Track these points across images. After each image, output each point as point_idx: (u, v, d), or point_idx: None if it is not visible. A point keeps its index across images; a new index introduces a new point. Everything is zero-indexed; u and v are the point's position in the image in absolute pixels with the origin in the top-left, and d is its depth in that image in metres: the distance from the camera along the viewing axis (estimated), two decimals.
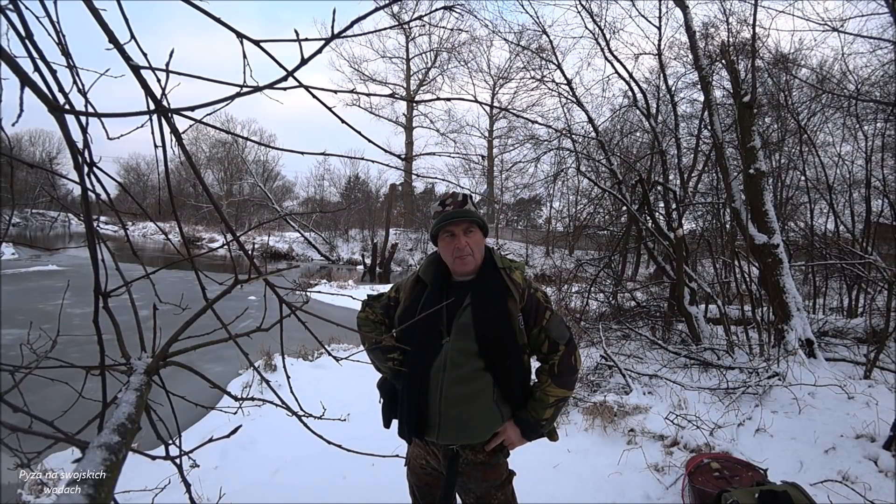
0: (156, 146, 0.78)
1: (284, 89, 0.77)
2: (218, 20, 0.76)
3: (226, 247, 0.99)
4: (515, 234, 27.64)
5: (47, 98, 0.70)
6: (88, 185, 0.78)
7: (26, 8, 0.74)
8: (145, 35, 0.78)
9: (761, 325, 5.35)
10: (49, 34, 0.80)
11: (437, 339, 1.56)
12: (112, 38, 0.72)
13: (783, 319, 5.11)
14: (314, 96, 0.82)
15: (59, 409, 0.83)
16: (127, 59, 0.72)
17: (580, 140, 8.68)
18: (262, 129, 39.33)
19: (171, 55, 0.76)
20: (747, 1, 6.51)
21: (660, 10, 7.75)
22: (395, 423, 1.68)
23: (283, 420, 2.01)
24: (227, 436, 0.96)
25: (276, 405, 0.92)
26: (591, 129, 7.94)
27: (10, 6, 0.71)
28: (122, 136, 0.86)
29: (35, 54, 0.76)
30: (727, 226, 7.34)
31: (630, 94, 8.00)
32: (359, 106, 26.43)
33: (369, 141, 1.05)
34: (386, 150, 1.73)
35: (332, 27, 0.71)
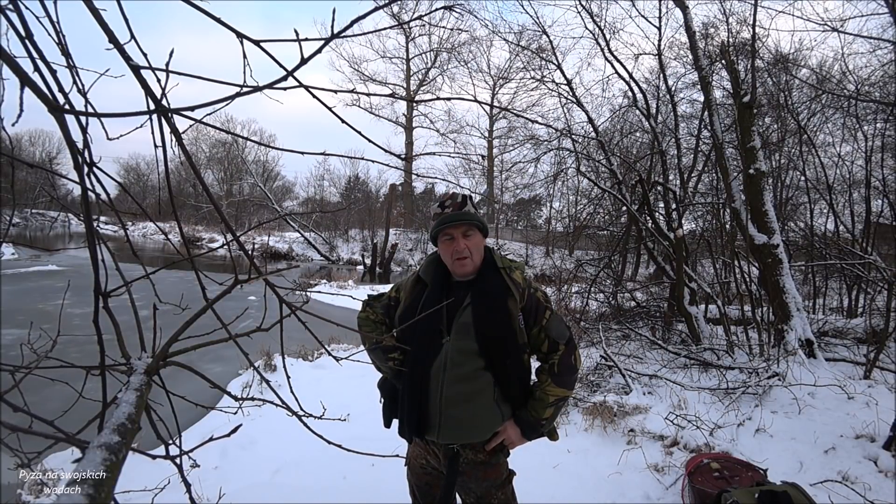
0: (156, 146, 0.78)
1: (284, 89, 0.77)
2: (218, 20, 0.76)
3: (226, 247, 0.99)
4: (515, 235, 27.64)
5: (47, 98, 0.70)
6: (88, 185, 0.78)
7: (26, 8, 0.74)
8: (145, 35, 0.78)
9: (761, 325, 5.35)
10: (49, 34, 0.80)
11: (438, 339, 1.56)
12: (112, 38, 0.72)
13: (783, 319, 5.11)
14: (314, 96, 0.82)
15: (59, 409, 0.83)
16: (127, 59, 0.72)
17: (580, 140, 8.69)
18: (262, 129, 39.39)
19: (170, 55, 0.76)
20: (747, 1, 6.52)
21: (660, 10, 7.75)
22: (395, 422, 1.68)
23: (283, 420, 2.01)
24: (227, 435, 0.96)
25: (276, 405, 0.92)
26: (591, 129, 7.94)
27: (10, 6, 0.71)
28: (122, 136, 0.86)
29: (35, 54, 0.76)
30: (727, 226, 7.34)
31: (630, 94, 8.00)
32: (359, 106, 26.45)
33: (369, 141, 1.05)
34: (386, 150, 1.73)
35: (332, 27, 0.71)
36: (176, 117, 0.75)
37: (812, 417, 3.62)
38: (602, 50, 7.79)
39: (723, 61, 6.32)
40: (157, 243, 25.19)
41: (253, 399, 0.85)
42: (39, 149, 40.46)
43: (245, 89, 0.75)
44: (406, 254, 23.94)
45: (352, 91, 0.84)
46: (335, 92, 0.84)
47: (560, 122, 9.03)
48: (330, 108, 0.89)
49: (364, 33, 0.81)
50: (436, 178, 20.97)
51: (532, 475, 2.76)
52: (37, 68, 0.75)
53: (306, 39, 0.75)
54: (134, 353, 0.80)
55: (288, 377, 1.04)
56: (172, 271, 11.39)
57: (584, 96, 8.77)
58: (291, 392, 0.99)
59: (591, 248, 13.20)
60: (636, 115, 9.10)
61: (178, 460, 0.85)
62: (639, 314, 7.32)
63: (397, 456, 1.39)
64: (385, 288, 2.03)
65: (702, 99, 7.20)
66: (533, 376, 1.67)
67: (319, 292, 0.98)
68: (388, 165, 1.20)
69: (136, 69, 0.73)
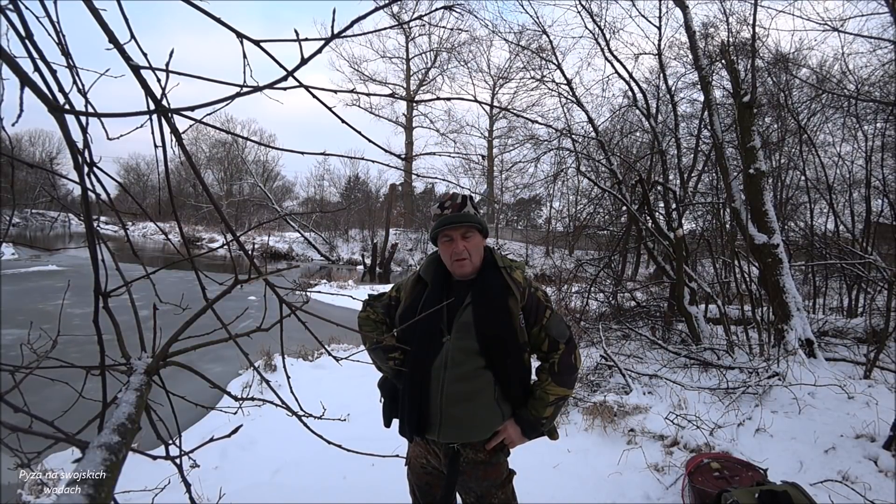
0: (156, 146, 0.78)
1: (284, 89, 0.77)
2: (218, 20, 0.76)
3: (226, 247, 0.99)
4: (515, 234, 27.64)
5: (47, 98, 0.70)
6: (88, 185, 0.78)
7: (26, 8, 0.74)
8: (145, 35, 0.78)
9: (761, 325, 5.35)
10: (49, 34, 0.80)
11: (438, 338, 1.56)
12: (112, 38, 0.72)
13: (783, 319, 5.11)
14: (314, 96, 0.82)
15: (59, 409, 0.83)
16: (127, 59, 0.72)
17: (580, 140, 8.69)
18: (262, 129, 39.40)
19: (171, 55, 0.76)
20: (747, 1, 6.52)
21: (660, 10, 7.75)
22: (395, 422, 1.68)
23: (283, 420, 2.01)
24: (228, 436, 0.96)
25: (276, 405, 0.92)
26: (591, 129, 7.94)
27: (10, 6, 0.71)
28: (122, 136, 0.86)
29: (35, 54, 0.76)
30: (727, 226, 7.34)
31: (630, 94, 8.00)
32: (359, 106, 26.45)
33: (369, 141, 1.05)
34: (386, 150, 1.73)
35: (332, 27, 0.71)
36: (176, 117, 0.75)
37: (812, 417, 3.62)
38: (602, 50, 7.79)
39: (723, 61, 6.32)
40: (157, 243, 25.19)
41: (253, 399, 0.85)
42: (39, 149, 40.49)
43: (245, 89, 0.75)
44: (406, 254, 23.94)
45: (352, 91, 0.84)
46: (335, 92, 0.84)
47: (560, 122, 9.04)
48: (330, 108, 0.89)
49: (364, 33, 0.81)
50: (436, 178, 21.00)
51: (532, 475, 2.76)
52: (37, 68, 0.75)
53: (306, 39, 0.75)
54: (134, 353, 0.80)
55: (288, 377, 1.04)
56: (172, 271, 11.40)
57: (584, 96, 8.77)
58: (291, 392, 0.99)
59: (591, 248, 13.20)
60: (636, 115, 9.11)
61: (178, 460, 0.85)
62: (639, 314, 7.32)
63: (397, 456, 1.39)
64: (385, 288, 2.03)
65: (702, 99, 7.20)
66: (533, 376, 1.67)
67: (319, 292, 0.98)
68: (388, 165, 1.20)
69: (136, 69, 0.73)
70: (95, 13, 0.73)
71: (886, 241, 8.59)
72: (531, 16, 12.74)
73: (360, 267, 21.89)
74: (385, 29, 0.91)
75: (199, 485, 2.57)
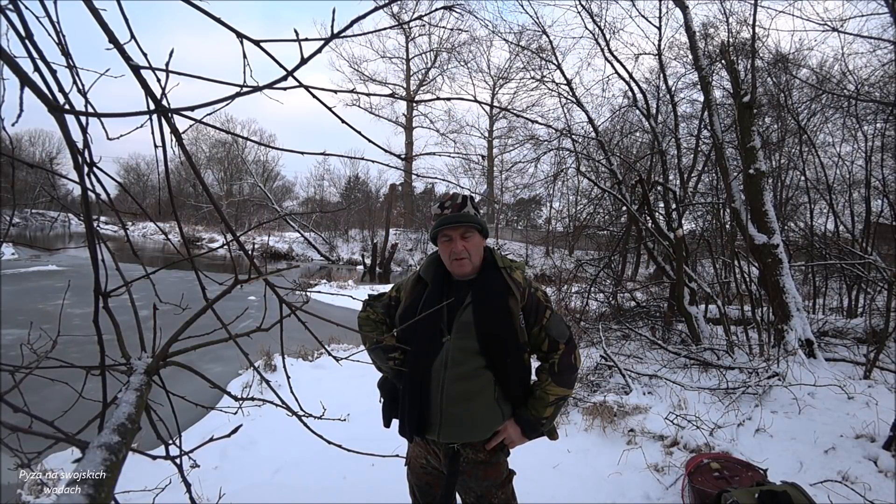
0: (156, 146, 0.78)
1: (284, 89, 0.77)
2: (218, 20, 0.76)
3: (226, 247, 0.99)
4: (515, 235, 27.63)
5: (47, 98, 0.70)
6: (88, 185, 0.78)
7: (26, 8, 0.74)
8: (145, 35, 0.78)
9: (761, 325, 5.35)
10: (49, 34, 0.80)
11: (438, 338, 1.56)
12: (112, 38, 0.72)
13: (783, 319, 5.11)
14: (314, 96, 0.82)
15: (60, 409, 0.83)
16: (127, 59, 0.72)
17: (580, 140, 8.69)
18: (262, 129, 39.39)
19: (170, 55, 0.76)
20: (747, 1, 6.52)
21: (660, 10, 7.75)
22: (395, 422, 1.68)
23: (283, 420, 2.01)
24: (228, 435, 0.96)
25: (276, 405, 0.92)
26: (591, 129, 7.94)
27: (10, 6, 0.71)
28: (122, 136, 0.86)
29: (35, 54, 0.76)
30: (727, 226, 7.34)
31: (630, 94, 8.00)
32: (359, 106, 26.45)
33: (369, 141, 1.05)
34: (386, 150, 1.73)
35: (332, 27, 0.71)
36: (176, 117, 0.75)
37: (812, 417, 3.62)
38: (602, 50, 7.79)
39: (723, 61, 6.32)
40: (157, 243, 25.19)
41: (253, 399, 0.85)
42: (39, 149, 40.50)
43: (245, 89, 0.75)
44: (406, 254, 23.94)
45: (352, 91, 0.84)
46: (335, 92, 0.84)
47: (560, 122, 9.05)
48: (330, 108, 0.89)
49: (364, 33, 0.81)
50: (436, 178, 20.99)
51: (532, 475, 2.76)
52: (37, 68, 0.75)
53: (306, 39, 0.75)
54: (134, 353, 0.80)
55: (288, 377, 1.04)
56: (172, 271, 11.39)
57: (584, 96, 8.78)
58: (291, 392, 0.99)
59: (591, 248, 13.19)
60: (636, 115, 9.10)
61: (178, 460, 0.85)
62: (639, 314, 7.32)
63: (397, 456, 1.39)
64: (385, 288, 2.03)
65: (702, 99, 7.20)
66: (533, 376, 1.67)
67: (319, 292, 0.98)
68: (388, 165, 1.20)
69: (136, 69, 0.73)
70: (95, 13, 0.73)
71: (886, 242, 8.58)
72: (531, 16, 12.76)
73: (360, 267, 21.89)
74: (385, 29, 0.91)
75: (199, 485, 2.57)
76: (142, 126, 0.79)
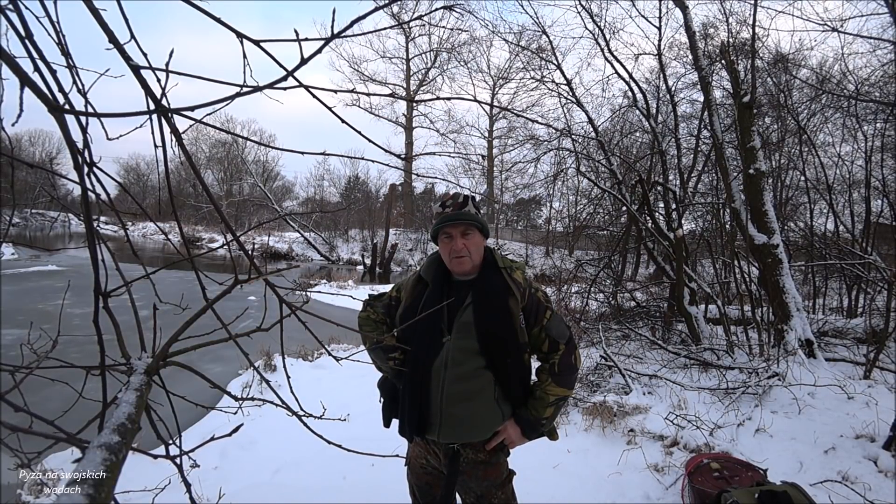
0: (156, 146, 0.78)
1: (284, 89, 0.77)
2: (218, 20, 0.76)
3: (226, 247, 0.99)
4: (515, 235, 27.64)
5: (47, 98, 0.70)
6: (88, 185, 0.78)
7: (26, 8, 0.74)
8: (145, 35, 0.78)
9: (761, 325, 5.35)
10: (49, 34, 0.80)
11: (439, 338, 1.56)
12: (112, 38, 0.72)
13: (783, 319, 5.11)
14: (314, 96, 0.82)
15: (60, 409, 0.83)
16: (127, 59, 0.72)
17: (580, 140, 8.69)
18: (262, 129, 39.40)
19: (170, 55, 0.76)
20: (747, 1, 6.52)
21: (660, 10, 7.75)
22: (395, 422, 1.68)
23: (283, 420, 2.01)
24: (228, 435, 0.96)
25: (276, 405, 0.92)
26: (591, 129, 7.94)
27: (10, 6, 0.71)
28: (121, 136, 0.86)
29: (35, 54, 0.76)
30: (727, 226, 7.34)
31: (630, 94, 8.01)
32: (359, 106, 26.44)
33: (369, 141, 1.05)
34: (386, 150, 1.73)
35: (332, 27, 0.71)
36: (176, 117, 0.75)
37: (812, 417, 3.62)
38: (602, 50, 7.79)
39: (723, 61, 6.32)
40: (157, 243, 25.19)
41: (253, 399, 0.85)
42: (39, 149, 40.48)
43: (245, 89, 0.75)
44: (406, 254, 23.94)
45: (352, 91, 0.84)
46: (335, 92, 0.84)
47: (560, 122, 9.04)
48: (330, 108, 0.89)
49: (364, 33, 0.81)
50: (436, 178, 21.01)
51: (532, 475, 2.76)
52: (37, 68, 0.75)
53: (306, 39, 0.75)
54: (134, 353, 0.80)
55: (288, 377, 1.04)
56: (172, 271, 11.40)
57: (584, 96, 8.78)
58: (291, 392, 0.99)
59: (591, 248, 13.19)
60: (636, 115, 9.10)
61: (178, 460, 0.85)
62: (639, 314, 7.32)
63: (397, 456, 1.39)
64: (385, 288, 2.03)
65: (702, 99, 7.20)
66: (533, 376, 1.67)
67: (319, 292, 0.98)
68: (388, 165, 1.20)
69: (136, 69, 0.73)
70: (95, 13, 0.73)
71: (886, 242, 8.58)
72: (531, 16, 12.72)
73: (360, 267, 21.90)
74: (385, 29, 0.91)
75: (199, 485, 2.57)
76: (142, 126, 0.79)
